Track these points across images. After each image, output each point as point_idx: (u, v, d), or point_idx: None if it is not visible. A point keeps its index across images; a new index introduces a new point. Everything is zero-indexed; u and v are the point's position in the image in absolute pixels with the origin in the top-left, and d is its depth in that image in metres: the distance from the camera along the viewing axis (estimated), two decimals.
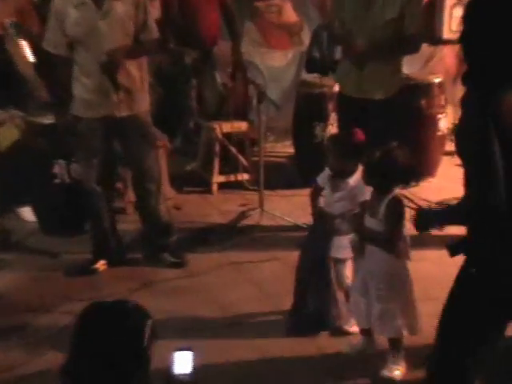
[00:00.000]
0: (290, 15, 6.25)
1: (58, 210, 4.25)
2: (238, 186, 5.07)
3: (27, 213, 4.46)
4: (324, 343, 3.09)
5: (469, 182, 1.85)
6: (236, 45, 5.25)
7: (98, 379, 1.67)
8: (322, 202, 3.11)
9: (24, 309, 3.37)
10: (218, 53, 5.43)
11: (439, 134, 5.09)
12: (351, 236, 2.95)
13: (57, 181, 4.22)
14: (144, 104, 3.70)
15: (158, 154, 4.03)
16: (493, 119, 1.78)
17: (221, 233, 4.30)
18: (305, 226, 4.03)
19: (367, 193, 2.88)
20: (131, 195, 4.31)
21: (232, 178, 5.09)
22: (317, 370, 2.90)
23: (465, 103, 1.87)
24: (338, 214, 3.03)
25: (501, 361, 2.33)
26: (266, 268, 3.81)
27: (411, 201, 4.58)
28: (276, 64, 6.22)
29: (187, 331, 3.11)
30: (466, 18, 1.92)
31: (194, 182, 5.13)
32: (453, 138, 2.19)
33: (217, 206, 4.80)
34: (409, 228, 2.59)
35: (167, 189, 4.53)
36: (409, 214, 2.90)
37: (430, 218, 2.07)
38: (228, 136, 5.08)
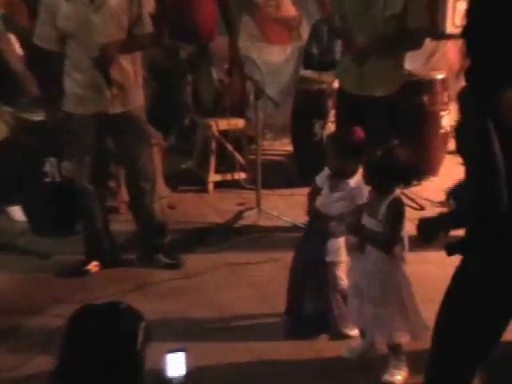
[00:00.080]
0: (289, 9, 6.24)
1: (48, 210, 4.25)
2: (235, 184, 5.07)
3: (17, 212, 4.46)
4: (323, 347, 3.10)
5: (470, 181, 1.86)
6: (233, 39, 5.25)
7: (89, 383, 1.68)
8: (318, 201, 3.11)
9: (14, 311, 3.37)
10: (214, 48, 5.43)
11: (442, 131, 5.10)
12: (348, 237, 2.96)
13: (47, 179, 4.21)
14: (138, 100, 3.70)
15: (153, 151, 4.02)
16: (493, 118, 1.79)
17: (217, 233, 4.31)
18: (303, 226, 4.02)
19: (366, 195, 2.89)
20: (124, 194, 4.31)
21: (229, 176, 5.09)
22: (315, 374, 2.91)
23: (464, 100, 1.87)
24: (335, 215, 3.03)
25: (501, 361, 2.34)
26: (263, 269, 3.82)
27: (413, 200, 4.59)
28: (274, 59, 6.21)
29: (182, 334, 3.11)
30: (469, 12, 1.92)
31: (189, 180, 5.14)
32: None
33: (213, 206, 4.81)
34: (409, 230, 2.61)
35: (162, 187, 4.52)
36: (410, 214, 2.93)
37: (433, 226, 2.07)
38: (224, 133, 5.08)
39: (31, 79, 4.52)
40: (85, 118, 3.57)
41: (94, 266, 3.84)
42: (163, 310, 3.34)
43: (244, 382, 2.87)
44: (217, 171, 5.07)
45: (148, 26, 3.64)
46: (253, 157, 4.81)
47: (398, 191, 2.78)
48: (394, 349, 2.85)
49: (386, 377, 2.83)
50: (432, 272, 3.56)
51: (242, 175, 5.10)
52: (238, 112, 5.27)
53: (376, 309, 2.77)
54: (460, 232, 2.01)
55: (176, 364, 2.38)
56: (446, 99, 5.08)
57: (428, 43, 4.82)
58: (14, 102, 4.41)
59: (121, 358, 1.70)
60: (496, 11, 1.85)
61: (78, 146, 3.65)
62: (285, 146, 5.80)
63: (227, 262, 3.91)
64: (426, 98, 5.00)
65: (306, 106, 5.09)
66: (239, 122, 5.15)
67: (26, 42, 4.40)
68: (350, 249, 2.95)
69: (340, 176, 3.04)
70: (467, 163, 1.88)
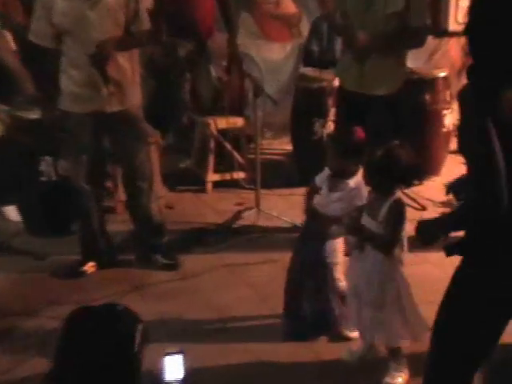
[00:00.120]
0: (289, 6, 6.25)
1: (44, 210, 4.25)
2: (234, 184, 5.08)
3: (12, 212, 4.46)
4: (322, 349, 3.10)
5: (470, 180, 1.87)
6: (232, 36, 5.26)
7: None
8: (316, 201, 3.11)
9: (9, 313, 3.37)
10: (212, 45, 5.43)
11: (444, 130, 5.10)
12: (347, 237, 2.97)
13: (43, 178, 4.22)
14: (135, 98, 3.70)
15: (150, 150, 4.03)
16: (493, 118, 1.79)
17: (215, 233, 4.31)
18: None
19: (365, 196, 2.89)
20: (122, 194, 4.32)
21: (227, 176, 5.10)
22: (314, 377, 2.92)
23: (465, 99, 1.88)
24: (333, 215, 3.03)
25: (500, 364, 2.35)
26: (262, 270, 3.82)
27: (414, 200, 4.59)
28: (274, 57, 6.22)
29: (180, 335, 3.12)
30: (471, 10, 1.93)
31: (187, 180, 5.14)
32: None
33: (211, 206, 4.81)
34: (409, 230, 2.61)
35: (159, 187, 4.52)
36: (411, 214, 2.93)
37: (432, 228, 2.08)
38: (223, 132, 5.09)
39: (27, 77, 4.52)
40: (81, 116, 3.57)
41: (90, 266, 3.84)
42: (161, 312, 3.34)
43: None
44: (215, 170, 5.07)
45: (145, 23, 3.64)
46: (252, 156, 4.81)
47: (398, 192, 2.78)
48: (394, 351, 2.86)
49: (387, 379, 2.84)
50: (432, 273, 3.57)
51: (241, 175, 5.11)
52: (237, 110, 5.28)
53: (375, 312, 2.78)
54: (459, 233, 2.01)
55: (174, 367, 2.39)
56: (448, 98, 5.08)
57: (430, 41, 4.82)
58: (9, 100, 4.41)
59: (117, 361, 1.70)
60: (497, 10, 1.86)
61: (74, 144, 3.66)
62: (284, 145, 5.80)
63: (226, 262, 3.92)
64: (427, 97, 5.00)
65: (306, 104, 5.09)
66: (238, 121, 5.16)
67: (21, 39, 4.40)
68: (350, 249, 2.96)
69: (340, 176, 3.04)
70: (468, 162, 1.89)
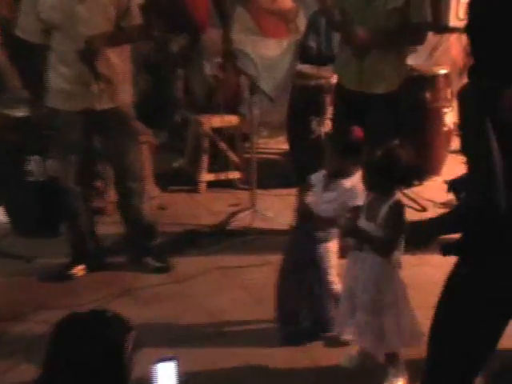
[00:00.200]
0: (285, 0, 6.24)
1: (32, 210, 4.25)
2: (229, 184, 5.08)
3: None
4: (319, 354, 3.11)
5: (468, 180, 1.89)
6: (226, 32, 5.26)
7: None
8: (309, 199, 3.11)
9: None
10: (206, 41, 5.44)
11: (445, 129, 5.11)
12: (345, 239, 2.98)
13: (31, 178, 4.21)
14: (126, 95, 3.70)
15: (142, 149, 4.03)
16: (492, 117, 1.80)
17: (209, 235, 4.31)
18: None
19: (360, 198, 2.91)
20: (112, 194, 4.31)
21: (222, 176, 5.10)
22: (311, 383, 2.92)
23: (464, 98, 1.89)
24: (325, 216, 3.04)
25: (500, 370, 2.36)
26: (257, 273, 3.83)
27: (414, 201, 4.60)
28: (270, 53, 6.21)
29: (172, 341, 3.11)
30: (471, 8, 1.94)
31: (180, 180, 5.14)
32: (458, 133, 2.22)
33: (205, 207, 4.81)
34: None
35: (151, 187, 4.53)
36: (411, 215, 2.94)
37: (426, 230, 2.09)
38: (218, 131, 5.09)
39: (13, 73, 4.52)
40: (71, 114, 3.57)
41: (79, 269, 3.84)
42: (152, 316, 3.35)
43: None
44: (209, 170, 5.07)
45: (136, 18, 3.64)
46: (247, 155, 4.82)
47: (398, 193, 2.79)
48: (392, 357, 2.87)
49: None
50: (434, 275, 3.56)
51: (236, 174, 5.11)
52: (232, 108, 5.28)
53: (369, 316, 2.79)
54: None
55: (166, 374, 2.38)
56: (449, 96, 5.09)
57: (431, 37, 4.83)
58: None
59: (107, 369, 1.70)
60: (497, 9, 1.87)
61: (63, 143, 3.65)
62: (280, 144, 5.81)
63: (220, 265, 3.92)
64: (428, 94, 5.01)
65: (303, 102, 5.09)
66: (233, 119, 5.16)
67: (7, 34, 4.39)
68: (347, 250, 2.96)
69: (337, 176, 3.05)
70: (467, 162, 1.90)
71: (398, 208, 2.75)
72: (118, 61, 3.60)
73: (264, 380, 2.94)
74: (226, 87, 5.35)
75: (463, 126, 1.91)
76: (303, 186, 3.19)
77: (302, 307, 3.13)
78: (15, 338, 3.23)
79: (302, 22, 6.11)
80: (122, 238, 4.06)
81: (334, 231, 3.07)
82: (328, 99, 4.88)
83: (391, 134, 3.07)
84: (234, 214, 4.59)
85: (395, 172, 2.71)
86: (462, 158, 2.00)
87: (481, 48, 1.90)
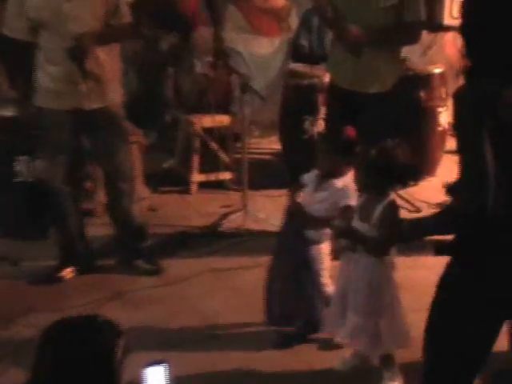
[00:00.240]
0: None
1: (20, 212, 4.23)
2: (220, 185, 5.08)
3: None
4: (313, 358, 3.11)
5: (460, 180, 1.90)
6: (218, 30, 5.26)
7: None
8: (301, 198, 3.12)
9: None
10: (197, 39, 5.43)
11: (440, 129, 5.13)
12: (338, 240, 2.99)
13: (19, 179, 4.20)
14: (116, 95, 3.70)
15: (132, 150, 4.03)
16: (490, 119, 1.82)
17: (200, 237, 4.31)
18: None
19: (352, 197, 2.91)
20: (102, 195, 4.30)
21: (213, 176, 5.10)
22: None
23: (461, 99, 1.90)
24: (317, 216, 3.04)
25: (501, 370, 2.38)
26: (249, 275, 3.83)
27: (409, 202, 4.61)
28: (262, 52, 6.22)
29: (164, 344, 3.11)
30: (466, 5, 1.94)
31: (171, 180, 5.13)
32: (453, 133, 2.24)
33: (196, 208, 4.81)
34: None
35: (141, 188, 4.52)
36: (406, 216, 2.95)
37: (410, 228, 2.10)
38: (208, 131, 5.09)
39: (0, 72, 4.50)
40: (59, 113, 3.56)
41: (68, 272, 3.83)
42: (143, 319, 3.34)
43: None
44: (200, 171, 5.07)
45: (126, 16, 3.64)
46: (239, 155, 4.82)
47: (392, 194, 2.80)
48: (387, 360, 2.88)
49: None
50: (427, 277, 3.57)
51: (227, 175, 5.11)
52: (223, 108, 5.28)
53: (364, 318, 2.80)
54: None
55: (156, 378, 2.38)
56: (443, 95, 5.11)
57: (424, 36, 4.85)
58: None
59: (97, 374, 1.70)
60: (493, 7, 1.87)
61: (51, 143, 3.65)
62: (273, 143, 5.81)
63: (211, 267, 3.92)
64: (422, 93, 5.02)
65: (296, 101, 5.10)
66: (224, 119, 5.16)
67: None
68: (340, 251, 2.97)
69: (329, 176, 3.06)
70: (460, 162, 1.92)
71: (393, 208, 2.76)
72: (107, 59, 3.59)
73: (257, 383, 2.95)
74: (217, 86, 5.35)
75: (458, 126, 1.92)
76: (295, 185, 3.20)
77: (293, 309, 3.13)
78: (3, 342, 3.21)
79: (294, 21, 6.12)
80: (111, 239, 4.05)
81: (327, 232, 3.08)
82: (321, 98, 4.89)
83: (385, 134, 3.07)
84: (225, 216, 4.59)
85: (390, 171, 2.72)
86: (457, 159, 2.01)
87: (478, 48, 1.90)
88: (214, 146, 5.08)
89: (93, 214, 4.46)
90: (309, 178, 3.15)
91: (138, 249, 3.92)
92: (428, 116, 5.09)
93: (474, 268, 1.96)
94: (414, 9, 3.74)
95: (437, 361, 2.08)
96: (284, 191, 4.75)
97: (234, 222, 4.50)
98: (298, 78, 5.13)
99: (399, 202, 3.25)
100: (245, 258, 4.01)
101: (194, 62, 5.48)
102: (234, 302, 3.57)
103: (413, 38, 3.92)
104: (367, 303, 2.80)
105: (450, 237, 2.01)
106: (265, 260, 3.86)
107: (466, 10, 1.95)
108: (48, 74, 3.53)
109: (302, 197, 3.12)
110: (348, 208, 2.92)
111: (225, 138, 5.18)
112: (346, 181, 3.02)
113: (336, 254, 3.17)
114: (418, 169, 4.02)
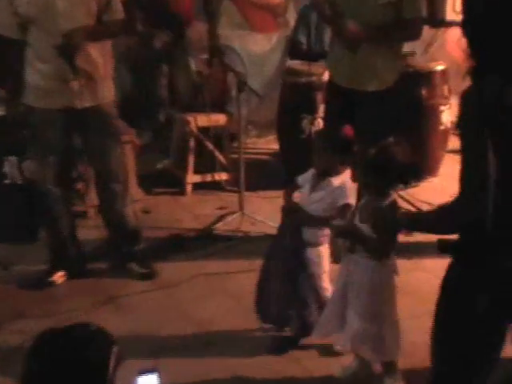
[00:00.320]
0: None
1: (8, 215, 4.22)
2: (216, 186, 5.08)
3: None
4: (312, 365, 3.10)
5: (461, 179, 1.90)
6: (213, 27, 5.26)
7: None
8: (298, 199, 3.11)
9: None
10: (192, 35, 5.43)
11: (442, 128, 5.12)
12: (338, 241, 2.98)
13: (7, 181, 4.19)
14: (108, 93, 3.69)
15: (125, 150, 4.02)
16: (494, 118, 1.81)
17: (195, 240, 4.31)
18: None
19: (349, 196, 2.90)
20: (94, 197, 4.30)
21: (208, 177, 5.09)
22: None
23: (468, 100, 1.89)
24: (315, 215, 3.04)
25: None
26: (245, 279, 3.81)
27: (410, 203, 4.61)
28: (258, 49, 6.22)
29: (157, 351, 3.10)
30: (467, 7, 1.93)
31: (165, 181, 5.13)
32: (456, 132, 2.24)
33: (191, 210, 4.80)
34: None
35: (135, 190, 4.52)
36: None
37: (409, 222, 2.13)
38: (204, 130, 5.09)
39: None
40: (49, 112, 3.55)
41: (59, 276, 3.82)
42: (136, 325, 3.33)
43: None
44: (196, 171, 5.06)
45: (119, 12, 3.63)
46: (235, 156, 4.81)
47: (394, 194, 2.79)
48: (389, 366, 2.87)
49: None
50: (428, 280, 3.57)
51: (224, 176, 5.10)
52: (219, 107, 5.28)
53: (367, 323, 2.78)
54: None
55: None
56: (446, 93, 5.10)
57: (426, 31, 4.85)
58: None
59: None
60: (496, 4, 1.87)
61: (41, 143, 3.63)
62: (270, 143, 5.81)
63: (206, 271, 3.91)
64: (424, 91, 5.02)
65: (294, 100, 5.09)
66: (220, 118, 5.16)
67: None
68: (339, 253, 2.96)
69: (325, 175, 3.05)
70: (462, 161, 1.91)
71: (395, 209, 2.75)
72: (99, 56, 3.58)
73: None
74: (212, 84, 5.35)
75: (462, 126, 1.91)
76: (290, 186, 3.20)
77: (289, 312, 3.12)
78: None
79: (291, 17, 6.12)
80: (104, 242, 4.05)
81: (326, 234, 3.07)
82: (319, 97, 4.89)
83: (384, 133, 3.06)
84: (221, 218, 4.59)
85: (389, 170, 2.72)
86: (459, 158, 2.00)
87: (483, 46, 1.89)
88: (209, 145, 5.07)
89: (84, 216, 4.47)
90: (305, 178, 3.14)
91: (131, 252, 3.91)
92: (429, 114, 5.08)
93: (477, 268, 1.96)
94: (413, 5, 3.74)
95: (445, 366, 2.07)
96: (281, 192, 4.75)
97: (230, 224, 4.49)
98: (296, 76, 5.12)
99: (400, 202, 3.24)
100: (241, 261, 4.00)
101: (188, 59, 5.47)
102: (230, 307, 3.56)
103: (413, 35, 3.92)
104: (370, 308, 2.78)
105: (454, 236, 2.01)
106: (261, 263, 3.86)
107: (468, 6, 1.95)
108: (38, 71, 3.51)
109: (299, 197, 3.11)
110: (346, 207, 2.91)
111: (221, 137, 5.18)
112: (344, 179, 3.01)
113: (336, 258, 3.16)
114: (418, 168, 4.00)
